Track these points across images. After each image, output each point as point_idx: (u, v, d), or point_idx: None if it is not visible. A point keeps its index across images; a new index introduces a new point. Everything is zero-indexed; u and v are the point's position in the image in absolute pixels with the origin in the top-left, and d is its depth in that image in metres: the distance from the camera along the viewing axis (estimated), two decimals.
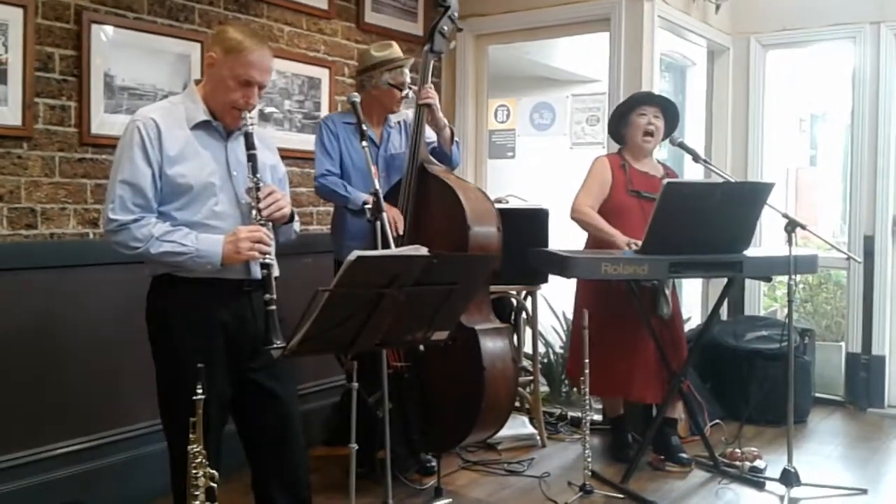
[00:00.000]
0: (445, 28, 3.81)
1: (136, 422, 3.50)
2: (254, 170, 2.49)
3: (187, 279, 2.49)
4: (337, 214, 3.90)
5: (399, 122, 3.93)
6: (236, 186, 2.55)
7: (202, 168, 2.49)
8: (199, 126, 2.52)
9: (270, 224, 2.52)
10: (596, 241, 4.05)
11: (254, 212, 2.49)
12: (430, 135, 3.88)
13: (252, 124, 2.53)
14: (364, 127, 3.79)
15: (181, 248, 2.41)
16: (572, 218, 4.06)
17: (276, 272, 2.51)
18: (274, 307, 2.45)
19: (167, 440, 2.56)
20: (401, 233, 3.52)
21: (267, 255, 2.48)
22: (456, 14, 3.85)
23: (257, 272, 2.52)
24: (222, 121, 2.55)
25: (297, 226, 2.77)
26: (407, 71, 3.80)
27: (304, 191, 4.38)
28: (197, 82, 2.62)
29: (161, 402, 2.57)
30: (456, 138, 3.90)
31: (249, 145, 2.51)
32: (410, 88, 3.80)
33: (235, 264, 2.49)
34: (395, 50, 3.86)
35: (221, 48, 2.49)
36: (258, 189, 2.49)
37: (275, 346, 2.40)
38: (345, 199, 3.67)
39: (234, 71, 2.47)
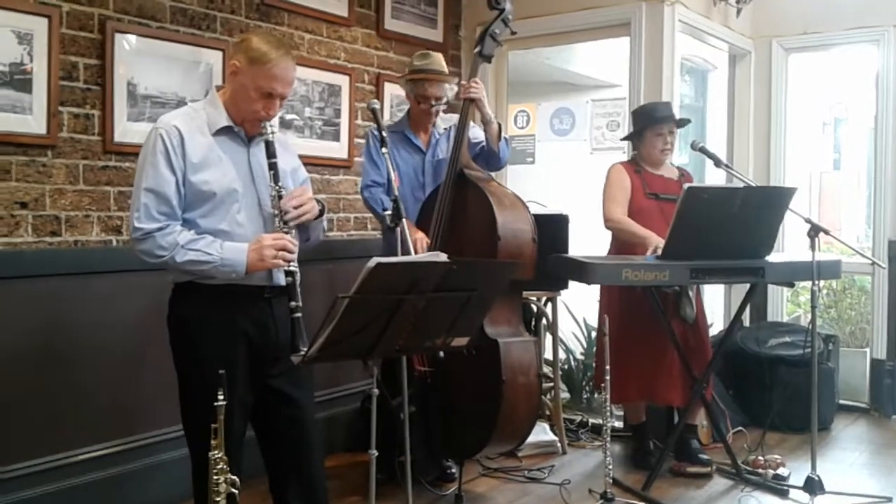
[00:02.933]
0: (497, 31, 3.77)
1: (159, 427, 3.53)
2: (275, 178, 2.50)
3: (209, 286, 2.49)
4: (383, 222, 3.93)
5: (448, 129, 3.94)
6: (259, 192, 2.55)
7: (225, 174, 2.49)
8: (221, 132, 2.53)
9: (294, 231, 2.53)
10: (620, 247, 4.04)
11: (276, 220, 2.50)
12: (477, 134, 3.88)
13: (273, 132, 2.54)
14: (408, 134, 3.86)
15: (206, 257, 2.42)
16: (607, 227, 4.08)
17: (297, 276, 2.51)
18: (300, 314, 2.46)
19: (189, 446, 2.58)
20: (423, 247, 3.51)
21: (291, 263, 2.49)
22: (511, 17, 3.79)
23: (280, 279, 2.53)
24: (243, 127, 2.56)
25: (325, 222, 2.77)
26: (434, 85, 3.78)
27: (325, 197, 4.39)
28: (218, 88, 2.63)
29: (183, 408, 2.59)
30: (505, 135, 3.86)
31: (270, 154, 2.51)
32: (438, 102, 3.79)
33: (260, 272, 2.50)
34: (431, 62, 3.85)
35: (245, 58, 2.48)
36: (280, 198, 2.49)
37: (301, 353, 2.39)
38: (380, 217, 3.70)
39: (256, 82, 2.46)
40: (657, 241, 3.81)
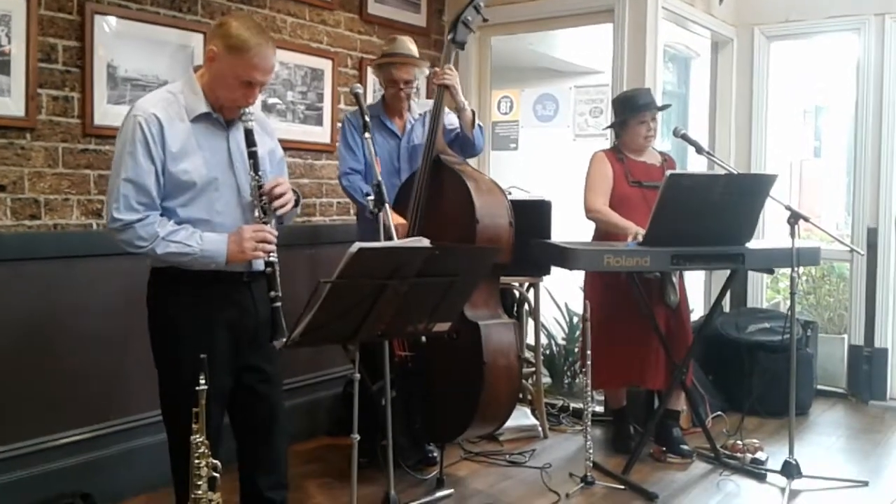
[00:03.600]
0: (470, 18, 3.76)
1: (139, 412, 3.52)
2: (255, 167, 2.48)
3: (188, 272, 2.48)
4: (359, 208, 3.92)
5: (423, 114, 3.93)
6: (238, 179, 2.53)
7: (204, 163, 2.47)
8: (200, 118, 2.49)
9: (273, 221, 2.52)
10: (603, 234, 4.06)
11: (256, 211, 2.49)
12: (452, 121, 3.88)
13: (251, 120, 2.51)
14: (384, 119, 3.85)
15: (186, 249, 2.41)
16: (588, 217, 4.08)
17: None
18: (279, 304, 2.46)
19: (167, 431, 2.57)
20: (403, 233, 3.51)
21: (271, 254, 2.48)
22: (482, 3, 3.78)
23: (259, 264, 2.52)
24: (221, 112, 2.52)
25: (297, 208, 2.75)
26: (401, 69, 3.78)
27: (307, 181, 4.38)
28: (196, 69, 2.59)
29: (161, 393, 2.58)
30: (479, 122, 3.86)
31: (250, 143, 2.49)
32: (408, 85, 3.79)
33: (240, 263, 2.49)
34: (398, 46, 3.87)
35: (224, 44, 2.42)
36: (260, 187, 2.48)
37: (281, 341, 2.42)
38: (362, 206, 3.69)
39: (235, 70, 2.42)
40: (636, 230, 3.83)
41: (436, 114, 3.70)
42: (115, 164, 2.45)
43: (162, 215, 2.44)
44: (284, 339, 2.40)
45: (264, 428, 2.67)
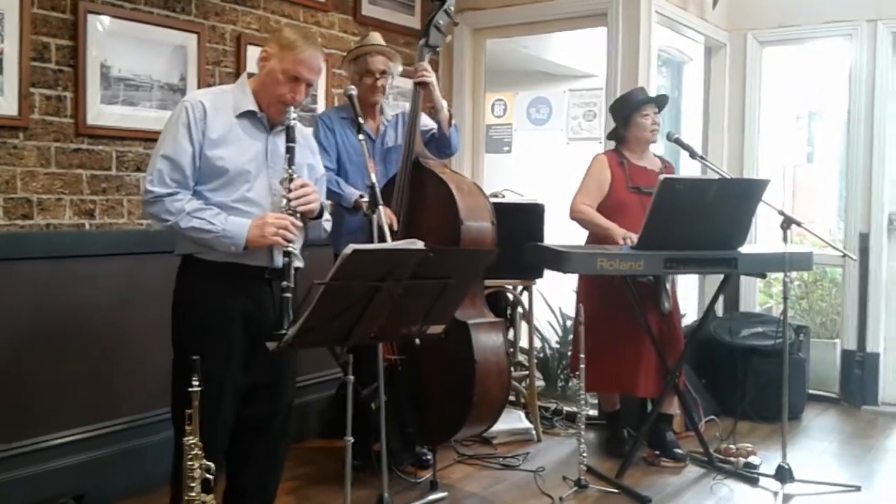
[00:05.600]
0: (441, 22, 3.77)
1: (132, 412, 3.50)
2: (290, 161, 2.57)
3: (211, 262, 2.55)
4: (335, 208, 3.89)
5: (396, 116, 3.92)
6: (271, 176, 2.62)
7: (241, 154, 2.58)
8: (245, 115, 2.62)
9: (299, 215, 2.58)
10: (596, 237, 4.06)
11: (283, 201, 2.56)
12: (426, 122, 3.87)
13: (295, 119, 2.61)
14: (360, 120, 3.82)
15: (209, 227, 2.49)
16: (571, 218, 4.08)
17: (298, 263, 2.57)
18: (289, 295, 2.50)
19: (175, 423, 2.58)
20: (395, 229, 3.51)
21: (291, 245, 2.53)
22: (452, 8, 3.81)
23: (280, 261, 2.57)
24: (267, 113, 2.64)
25: (328, 225, 2.84)
26: (376, 58, 3.76)
27: None
28: (250, 76, 2.72)
29: (175, 384, 2.59)
30: (454, 122, 3.85)
31: (290, 138, 2.59)
32: (383, 76, 3.77)
33: (259, 249, 2.54)
34: (369, 38, 3.89)
35: (277, 44, 2.62)
36: (291, 180, 2.56)
37: (282, 332, 2.41)
38: (338, 197, 3.67)
39: (284, 65, 2.58)
40: (622, 234, 3.83)
41: (413, 115, 3.69)
42: (158, 142, 2.59)
43: (192, 196, 2.53)
44: (283, 332, 2.39)
45: (263, 425, 2.70)
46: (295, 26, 2.82)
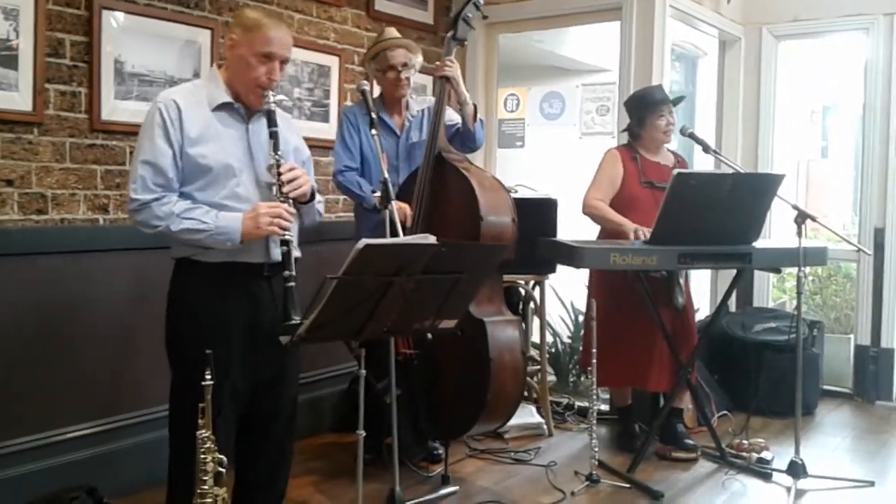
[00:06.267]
0: (470, 15, 3.76)
1: (146, 406, 3.52)
2: (275, 147, 2.50)
3: (207, 263, 2.50)
4: (356, 206, 3.91)
5: (421, 111, 3.91)
6: (257, 168, 2.56)
7: (223, 149, 2.51)
8: (221, 108, 2.54)
9: (291, 201, 2.52)
10: (608, 233, 4.05)
11: (274, 188, 2.50)
12: (452, 116, 3.86)
13: (274, 103, 2.55)
14: (382, 116, 3.83)
15: (201, 226, 2.43)
16: (584, 213, 4.07)
17: (296, 253, 2.52)
18: (293, 284, 2.45)
19: (171, 423, 2.58)
20: (408, 224, 3.51)
21: (287, 232, 2.48)
22: (482, 1, 3.79)
23: (277, 254, 2.52)
24: (246, 101, 2.56)
25: (321, 207, 2.78)
26: (396, 52, 3.76)
27: (313, 178, 4.37)
28: (219, 66, 2.65)
29: (174, 385, 2.58)
30: (480, 116, 3.84)
31: (272, 122, 2.52)
32: (405, 68, 3.76)
33: (255, 241, 2.50)
34: (385, 33, 3.88)
35: (241, 28, 2.53)
36: (279, 166, 2.50)
37: (293, 321, 2.39)
38: (360, 198, 3.68)
39: (253, 48, 2.49)
40: (633, 228, 3.83)
41: (438, 109, 3.68)
42: (136, 148, 2.52)
43: (179, 198, 2.47)
44: (298, 320, 2.38)
45: (268, 423, 2.68)
46: (255, 6, 2.69)
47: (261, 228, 2.45)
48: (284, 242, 2.48)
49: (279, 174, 2.49)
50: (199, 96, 2.54)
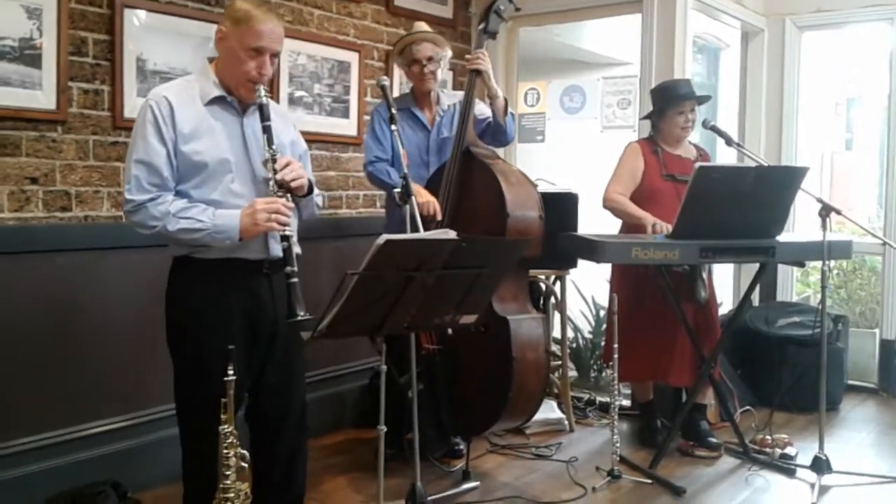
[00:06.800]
0: (502, 7, 3.75)
1: (169, 401, 3.48)
2: (269, 141, 2.45)
3: (205, 260, 2.47)
4: (388, 198, 3.91)
5: (452, 105, 3.90)
6: (253, 163, 2.51)
7: (217, 145, 2.46)
8: (214, 102, 2.49)
9: (289, 196, 2.48)
10: (629, 227, 4.03)
11: (271, 183, 2.45)
12: (483, 110, 3.85)
13: (266, 96, 2.49)
14: (413, 110, 3.84)
15: (198, 225, 2.38)
16: (604, 207, 4.06)
17: (297, 249, 2.48)
18: (296, 279, 2.41)
19: (180, 424, 2.56)
20: (438, 218, 3.51)
21: (286, 228, 2.44)
22: None
23: (277, 250, 2.48)
24: (237, 95, 2.51)
25: (319, 199, 2.74)
26: (421, 45, 3.75)
27: (334, 174, 4.40)
28: (211, 60, 2.59)
29: (177, 384, 2.55)
30: (511, 110, 3.83)
31: (264, 117, 2.46)
32: (430, 62, 3.75)
33: (254, 238, 2.46)
34: (413, 28, 3.89)
35: (230, 21, 2.47)
36: (274, 161, 2.45)
37: (299, 317, 2.37)
38: (389, 187, 3.69)
39: (243, 41, 2.43)
40: (652, 221, 3.80)
41: (467, 101, 3.68)
42: (129, 147, 2.47)
43: (174, 197, 2.43)
44: (304, 315, 2.36)
45: (279, 424, 2.64)
46: None
47: (259, 225, 2.40)
48: (284, 238, 2.44)
49: (275, 169, 2.44)
50: (192, 91, 2.49)
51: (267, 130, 2.46)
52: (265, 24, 2.44)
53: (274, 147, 2.46)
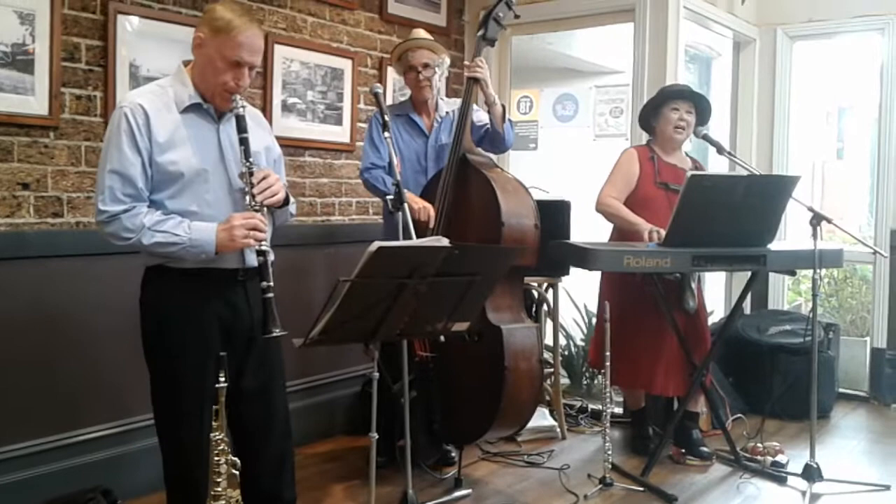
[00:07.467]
0: (501, 14, 3.76)
1: None
2: (246, 154, 2.41)
3: (180, 270, 2.44)
4: (385, 205, 3.91)
5: (450, 113, 3.91)
6: (229, 171, 2.46)
7: (193, 154, 2.41)
8: (190, 109, 2.44)
9: (265, 209, 2.45)
10: (621, 233, 4.04)
11: (247, 198, 2.41)
12: (481, 117, 3.86)
13: (243, 106, 2.45)
14: (412, 116, 3.85)
15: (174, 239, 2.35)
16: (597, 210, 4.06)
17: (271, 256, 2.46)
18: (271, 295, 2.39)
19: (159, 434, 2.53)
20: (432, 225, 3.51)
21: (263, 242, 2.41)
22: (514, 0, 3.78)
23: (252, 260, 2.45)
24: (212, 103, 2.46)
25: (293, 208, 2.72)
26: (417, 52, 3.77)
27: (327, 181, 4.39)
28: (186, 63, 2.53)
29: (154, 394, 2.52)
30: (508, 116, 3.84)
31: (241, 129, 2.42)
32: (426, 69, 3.77)
33: (230, 253, 2.43)
34: (411, 34, 3.91)
35: (209, 28, 2.40)
36: (251, 174, 2.40)
37: (274, 333, 2.36)
38: (383, 194, 3.68)
39: (222, 52, 2.37)
40: (649, 228, 3.81)
41: (464, 109, 3.68)
42: (102, 156, 2.41)
43: (149, 207, 2.39)
44: (279, 331, 2.35)
45: (264, 431, 2.61)
46: (227, 2, 2.54)
47: (235, 241, 2.37)
48: (261, 253, 2.41)
49: (251, 182, 2.40)
50: (167, 98, 2.43)
51: (244, 142, 2.42)
52: (246, 35, 2.38)
53: (251, 160, 2.42)
